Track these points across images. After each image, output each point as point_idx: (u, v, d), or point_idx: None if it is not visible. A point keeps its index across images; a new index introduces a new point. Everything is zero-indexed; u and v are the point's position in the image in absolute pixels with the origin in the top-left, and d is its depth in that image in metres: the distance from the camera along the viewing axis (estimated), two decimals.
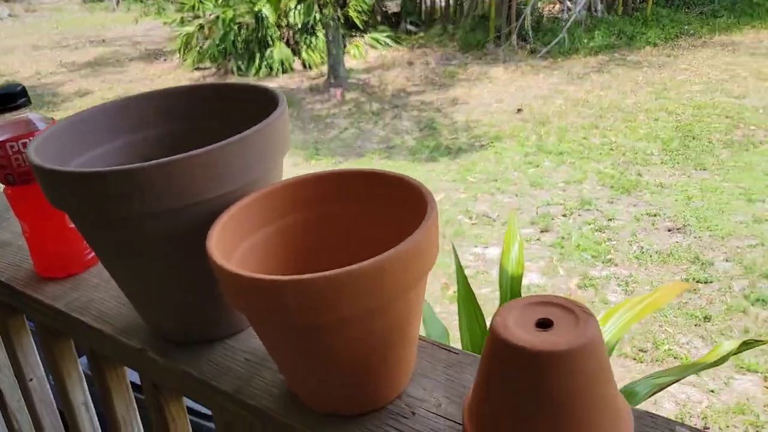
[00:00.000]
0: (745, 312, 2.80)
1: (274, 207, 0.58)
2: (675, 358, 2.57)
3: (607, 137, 5.00)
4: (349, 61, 7.34)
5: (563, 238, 3.56)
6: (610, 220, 3.73)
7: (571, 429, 0.42)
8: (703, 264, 3.20)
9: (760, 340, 1.30)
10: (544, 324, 0.43)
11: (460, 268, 1.57)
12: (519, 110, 5.68)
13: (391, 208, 0.55)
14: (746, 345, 1.31)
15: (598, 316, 1.55)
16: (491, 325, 0.44)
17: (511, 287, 1.58)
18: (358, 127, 5.65)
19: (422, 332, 1.49)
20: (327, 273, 0.43)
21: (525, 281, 3.18)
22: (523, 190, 4.22)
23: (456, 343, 1.48)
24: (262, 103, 0.65)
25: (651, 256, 3.31)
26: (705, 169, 4.31)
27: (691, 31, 7.73)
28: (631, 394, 1.35)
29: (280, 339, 0.49)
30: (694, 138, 4.83)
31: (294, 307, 0.44)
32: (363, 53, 7.61)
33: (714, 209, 3.73)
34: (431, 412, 0.52)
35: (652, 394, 1.36)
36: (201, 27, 7.80)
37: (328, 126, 5.75)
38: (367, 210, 0.57)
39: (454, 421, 0.51)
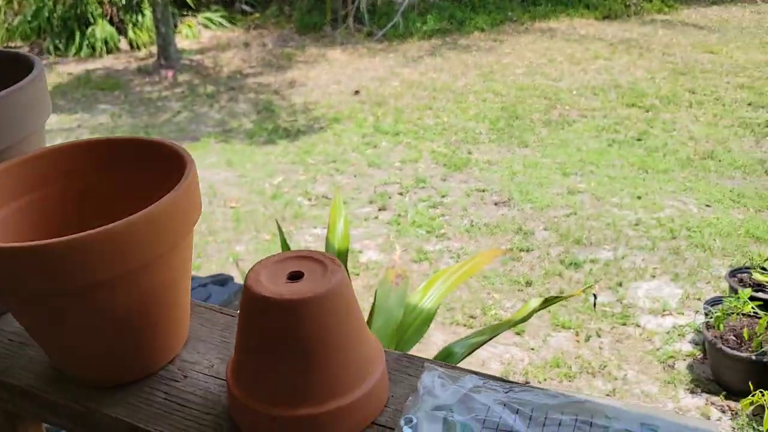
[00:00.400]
0: (561, 275, 3.05)
1: (30, 176, 0.53)
2: (500, 320, 2.74)
3: (440, 117, 5.21)
4: (181, 42, 7.01)
5: (400, 215, 3.67)
6: (444, 196, 3.90)
7: (321, 368, 0.44)
8: (525, 234, 3.44)
9: (560, 297, 1.42)
10: (295, 276, 0.44)
11: (285, 246, 1.55)
12: (356, 92, 5.75)
13: (155, 175, 0.52)
14: (547, 302, 1.42)
15: (420, 285, 1.61)
16: (244, 281, 0.44)
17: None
18: (192, 111, 5.43)
19: None
20: (66, 238, 0.41)
21: (363, 258, 3.25)
22: (361, 170, 4.28)
23: None
24: (17, 69, 0.60)
25: (480, 229, 3.51)
26: (527, 146, 4.63)
27: (515, 18, 8.25)
28: (449, 354, 1.42)
29: (30, 310, 0.46)
30: (517, 118, 5.17)
31: (35, 275, 0.41)
32: (196, 33, 7.30)
33: (534, 183, 4.02)
34: (203, 374, 0.52)
35: (470, 353, 1.44)
36: (9, 1, 7.06)
37: (160, 109, 5.47)
38: (133, 179, 0.54)
39: (222, 378, 0.52)
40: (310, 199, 3.89)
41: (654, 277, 3.01)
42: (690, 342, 2.56)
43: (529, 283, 2.99)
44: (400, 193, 3.95)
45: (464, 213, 3.69)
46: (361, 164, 4.37)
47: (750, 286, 2.41)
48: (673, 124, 4.95)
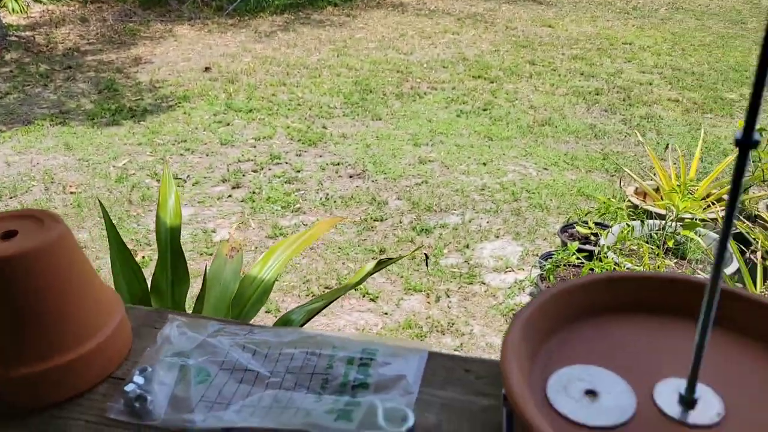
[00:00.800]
0: (413, 241, 3.16)
1: None
2: (354, 289, 2.80)
3: (294, 93, 5.16)
4: (7, 17, 6.40)
5: (254, 192, 3.62)
6: (299, 171, 3.89)
7: (37, 326, 0.42)
8: (379, 204, 3.52)
9: (392, 258, 1.47)
10: (8, 235, 0.43)
11: (111, 228, 1.48)
12: (207, 69, 5.56)
13: None
14: (381, 264, 1.47)
15: (261, 255, 1.60)
16: None
17: (170, 238, 1.54)
18: (23, 92, 5.00)
19: None
20: None
21: (217, 237, 3.18)
22: (213, 149, 4.16)
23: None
24: None
25: (335, 202, 3.54)
26: (380, 119, 4.71)
27: None
28: (287, 322, 1.43)
29: None
30: (371, 91, 5.24)
31: None
32: (24, 7, 6.69)
33: (388, 154, 4.11)
34: None
35: (308, 320, 1.46)
36: None
37: None
38: None
39: None
40: (158, 181, 3.73)
41: (498, 237, 3.19)
42: (529, 294, 2.75)
43: (382, 251, 3.07)
44: (255, 171, 3.89)
45: (319, 187, 3.70)
46: (213, 143, 4.25)
47: (578, 239, 2.63)
48: (515, 94, 5.24)
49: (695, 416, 0.43)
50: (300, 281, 2.85)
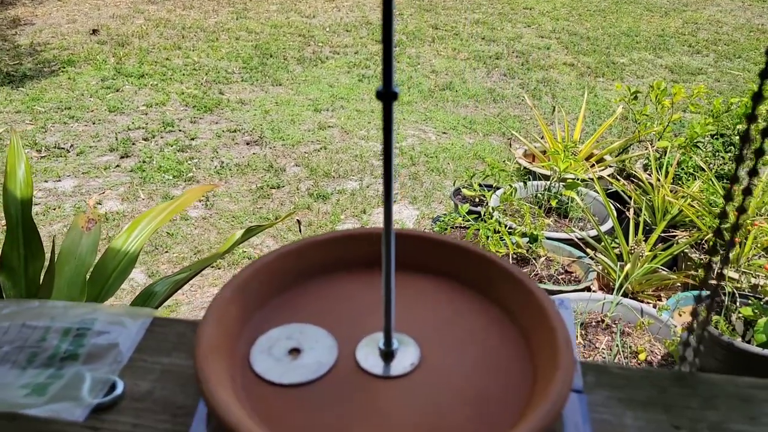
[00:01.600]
0: (310, 208, 3.12)
1: None
2: (250, 259, 2.74)
3: (190, 57, 4.95)
4: None
5: (144, 161, 3.46)
6: (193, 139, 3.74)
7: None
8: (276, 171, 3.44)
9: (262, 226, 1.42)
10: None
11: None
12: (95, 31, 5.23)
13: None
14: (249, 231, 1.42)
15: (120, 228, 1.52)
16: None
17: (22, 211, 1.43)
18: None
19: None
20: None
21: (103, 209, 3.02)
22: (101, 116, 3.94)
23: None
24: None
25: (231, 170, 3.43)
26: (281, 85, 4.60)
27: None
28: (150, 294, 1.37)
29: None
30: (271, 56, 5.10)
31: None
32: None
33: (287, 120, 4.02)
34: None
35: (173, 292, 1.40)
36: None
37: None
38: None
39: None
40: (39, 151, 3.50)
41: (395, 202, 3.19)
42: None
43: (277, 218, 3.01)
44: (146, 139, 3.72)
45: (214, 155, 3.58)
46: (100, 110, 4.02)
47: (470, 202, 2.66)
48: (417, 59, 5.23)
49: (390, 368, 0.45)
50: (191, 252, 2.76)
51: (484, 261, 0.53)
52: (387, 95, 0.36)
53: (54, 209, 3.02)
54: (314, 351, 0.45)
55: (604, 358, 1.76)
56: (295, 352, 0.45)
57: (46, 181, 3.24)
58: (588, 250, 2.13)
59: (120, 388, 0.41)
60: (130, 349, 0.42)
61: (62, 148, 3.53)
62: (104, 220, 2.94)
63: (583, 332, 1.90)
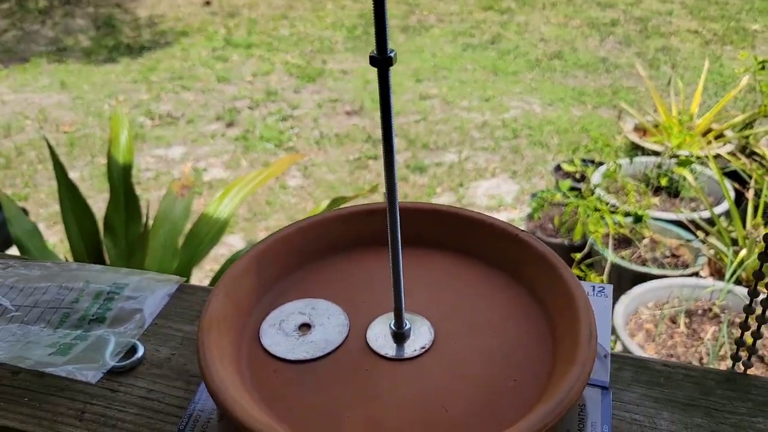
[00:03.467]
0: (406, 180, 3.09)
1: None
2: None
3: (295, 27, 5.02)
4: None
5: (248, 130, 3.56)
6: (295, 108, 3.81)
7: None
8: (374, 142, 3.43)
9: (346, 197, 1.41)
10: None
11: (59, 167, 1.44)
12: (207, 3, 5.41)
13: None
14: (335, 202, 1.41)
15: (217, 194, 1.56)
16: None
17: (123, 176, 1.50)
18: (22, 29, 4.92)
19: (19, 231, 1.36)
20: None
21: (207, 176, 3.14)
22: (209, 86, 4.08)
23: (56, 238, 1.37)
24: None
25: (330, 140, 3.47)
26: None
27: None
28: (234, 261, 1.40)
29: None
30: None
31: None
32: None
33: None
34: None
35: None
36: None
37: None
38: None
39: None
40: (153, 119, 3.68)
41: (494, 175, 3.10)
42: None
43: (374, 189, 3.01)
44: (250, 108, 3.82)
45: (315, 125, 3.63)
46: (209, 80, 4.16)
47: (572, 177, 2.53)
48: (526, 27, 5.03)
49: (399, 350, 0.43)
50: (287, 220, 2.82)
51: (510, 238, 0.49)
52: (382, 61, 0.33)
53: (164, 174, 3.17)
54: (324, 328, 0.43)
55: (707, 348, 1.63)
56: (305, 327, 0.43)
57: (157, 148, 3.40)
58: (699, 233, 1.97)
59: (140, 353, 0.42)
60: (153, 314, 0.42)
61: (173, 117, 3.70)
62: (208, 187, 3.06)
63: (687, 320, 1.77)
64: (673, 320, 1.79)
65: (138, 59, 4.43)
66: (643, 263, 2.00)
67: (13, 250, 1.51)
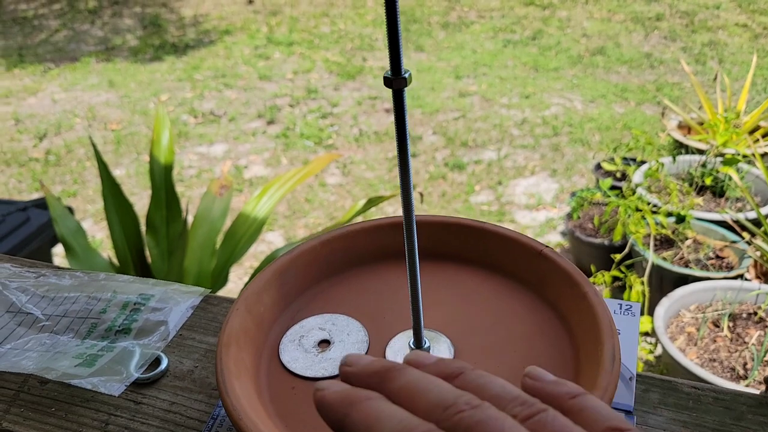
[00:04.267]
0: (445, 178, 3.08)
1: None
2: None
3: (336, 25, 5.04)
4: None
5: (288, 128, 3.59)
6: (335, 106, 3.83)
7: None
8: (413, 139, 3.43)
9: (383, 197, 1.42)
10: None
11: (103, 167, 1.48)
12: (250, 1, 5.48)
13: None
14: (371, 202, 1.42)
15: (253, 194, 1.58)
16: None
17: (164, 176, 1.54)
18: (72, 29, 5.07)
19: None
20: None
21: (248, 174, 3.19)
22: (251, 84, 4.14)
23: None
24: None
25: (369, 137, 3.48)
26: (423, 51, 4.56)
27: None
28: (272, 259, 1.42)
29: None
30: (415, 21, 5.06)
31: None
32: None
33: (427, 88, 3.98)
34: None
35: None
36: None
37: (36, 29, 5.08)
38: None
39: None
40: (196, 117, 3.75)
41: (533, 173, 3.07)
42: (560, 233, 2.65)
43: (414, 186, 3.01)
44: (291, 105, 3.85)
45: (354, 122, 3.64)
46: (251, 78, 4.22)
47: (613, 176, 2.49)
48: (568, 22, 4.95)
49: None
50: (326, 218, 2.84)
51: (534, 254, 0.47)
52: (397, 81, 0.32)
53: (206, 172, 3.23)
54: (343, 344, 0.43)
55: (752, 353, 1.58)
56: (324, 343, 0.43)
57: (200, 146, 3.47)
58: (744, 234, 1.91)
59: (164, 365, 0.42)
60: (177, 326, 0.43)
61: (216, 115, 3.76)
62: (249, 185, 3.10)
63: (731, 324, 1.72)
64: (716, 324, 1.75)
65: (183, 58, 4.52)
66: (686, 265, 1.96)
67: (59, 248, 1.56)
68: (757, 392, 0.42)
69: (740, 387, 1.55)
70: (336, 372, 0.41)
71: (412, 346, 0.43)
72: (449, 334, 0.45)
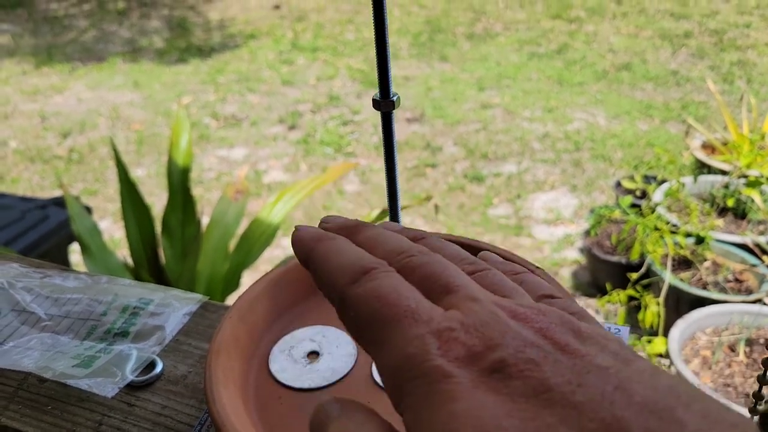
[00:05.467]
0: (463, 189, 3.07)
1: None
2: None
3: (361, 32, 5.07)
4: None
5: (309, 134, 3.61)
6: (356, 113, 3.84)
7: None
8: (433, 149, 3.43)
9: (402, 207, 1.41)
10: None
11: (120, 167, 1.50)
12: (277, 6, 5.53)
13: None
14: (385, 212, 1.41)
15: (270, 198, 1.59)
16: None
17: (181, 179, 1.55)
18: (101, 29, 5.15)
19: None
20: None
21: (267, 179, 3.20)
22: (274, 88, 4.17)
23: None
24: None
25: None
26: (447, 61, 4.56)
27: None
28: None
29: None
30: (440, 31, 5.07)
31: None
32: None
33: (449, 98, 3.98)
34: None
35: None
36: None
37: (66, 28, 5.17)
38: None
39: None
40: (218, 120, 3.79)
41: (553, 188, 3.05)
42: (577, 249, 2.63)
43: (427, 199, 3.00)
44: (312, 112, 3.87)
45: (374, 130, 3.65)
46: (274, 82, 4.25)
47: (633, 194, 2.46)
48: (594, 36, 4.92)
49: None
50: None
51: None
52: (385, 104, 0.32)
53: (226, 175, 3.25)
54: (332, 356, 0.43)
55: None
56: (313, 355, 0.43)
57: (221, 149, 3.49)
58: (765, 258, 1.88)
59: (158, 369, 0.43)
60: (174, 331, 0.43)
61: (238, 119, 3.79)
62: (267, 189, 3.12)
63: (747, 349, 1.69)
64: (732, 348, 1.72)
65: (207, 61, 4.57)
66: (704, 287, 1.92)
67: (77, 246, 1.58)
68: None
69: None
70: (322, 383, 0.41)
71: None
72: None
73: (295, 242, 0.26)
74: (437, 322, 0.21)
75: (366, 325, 0.22)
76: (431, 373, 0.19)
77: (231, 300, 1.49)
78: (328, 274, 0.24)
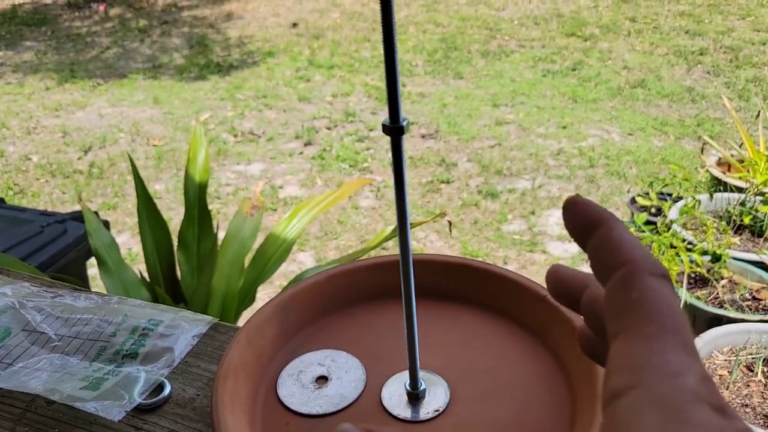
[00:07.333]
0: (477, 205, 3.08)
1: None
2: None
3: (377, 50, 5.11)
4: None
5: (325, 150, 3.64)
6: (371, 130, 3.87)
7: None
8: (448, 165, 3.44)
9: (414, 223, 1.43)
10: None
11: (138, 180, 1.53)
12: (294, 25, 5.60)
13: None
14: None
15: (286, 214, 1.61)
16: None
17: (198, 194, 1.57)
18: (122, 46, 5.24)
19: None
20: None
21: (283, 194, 3.23)
22: (291, 105, 4.21)
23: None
24: None
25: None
26: (462, 78, 4.58)
27: None
28: (298, 281, 1.43)
29: None
30: (456, 49, 5.10)
31: None
32: None
33: (464, 115, 4.00)
34: None
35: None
36: None
37: (88, 45, 5.27)
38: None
39: None
40: (235, 136, 3.83)
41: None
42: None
43: (441, 215, 3.01)
44: (328, 128, 3.91)
45: (390, 146, 3.66)
46: (291, 99, 4.29)
47: (648, 211, 2.46)
48: (609, 54, 4.93)
49: (411, 411, 0.42)
50: (357, 240, 2.86)
51: (537, 299, 0.47)
52: (395, 129, 0.33)
53: (242, 190, 3.28)
54: (341, 382, 0.43)
55: None
56: (322, 380, 0.43)
57: (238, 164, 3.53)
58: None
59: (167, 391, 0.43)
60: (182, 353, 0.43)
61: (255, 134, 3.83)
62: (283, 204, 3.14)
63: (766, 369, 1.67)
64: (750, 368, 1.70)
65: (226, 77, 4.63)
66: (720, 305, 1.91)
67: (94, 260, 1.60)
68: None
69: None
70: (331, 410, 0.41)
71: (408, 388, 0.42)
72: (447, 376, 0.44)
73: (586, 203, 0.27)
74: None
75: (640, 316, 0.22)
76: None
77: (246, 315, 1.51)
78: (630, 245, 0.24)
